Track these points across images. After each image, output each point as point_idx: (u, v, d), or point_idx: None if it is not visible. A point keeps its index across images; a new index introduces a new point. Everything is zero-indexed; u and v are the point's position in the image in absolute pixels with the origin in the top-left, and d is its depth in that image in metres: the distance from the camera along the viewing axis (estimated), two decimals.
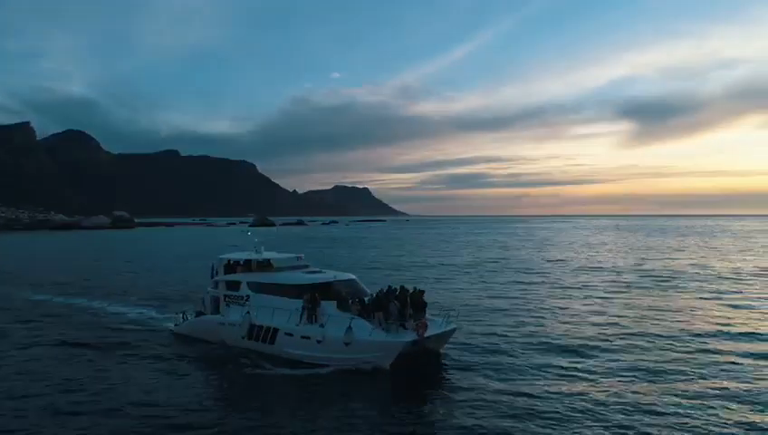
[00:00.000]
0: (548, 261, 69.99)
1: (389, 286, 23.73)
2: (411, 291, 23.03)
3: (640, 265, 63.75)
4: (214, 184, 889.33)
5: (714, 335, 26.51)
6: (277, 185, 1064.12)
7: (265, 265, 27.25)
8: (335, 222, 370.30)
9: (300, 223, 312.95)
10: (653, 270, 57.40)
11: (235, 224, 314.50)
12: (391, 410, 17.32)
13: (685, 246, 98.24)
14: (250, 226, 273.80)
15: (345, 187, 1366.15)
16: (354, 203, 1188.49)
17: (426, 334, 21.11)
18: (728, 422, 15.76)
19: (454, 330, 22.80)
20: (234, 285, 26.49)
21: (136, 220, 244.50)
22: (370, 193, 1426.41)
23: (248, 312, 24.64)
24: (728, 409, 16.77)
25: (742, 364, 21.58)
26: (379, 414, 16.92)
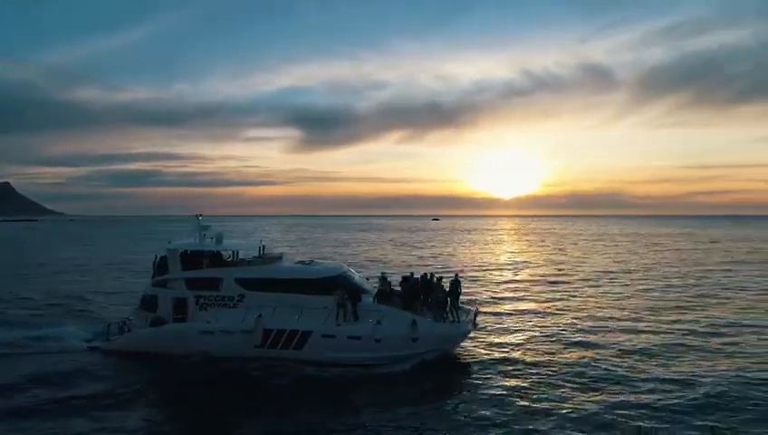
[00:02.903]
0: None
1: (412, 274, 23.24)
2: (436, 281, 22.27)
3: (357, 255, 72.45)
4: None
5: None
6: None
7: (257, 258, 23.66)
8: None
9: None
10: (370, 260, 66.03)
11: None
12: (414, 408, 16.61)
13: (367, 239, 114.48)
14: None
15: None
16: None
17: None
18: None
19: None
20: (208, 284, 22.00)
21: None
22: (13, 189, 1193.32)
23: (260, 315, 20.62)
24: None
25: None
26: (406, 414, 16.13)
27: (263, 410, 16.87)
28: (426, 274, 23.08)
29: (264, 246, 25.49)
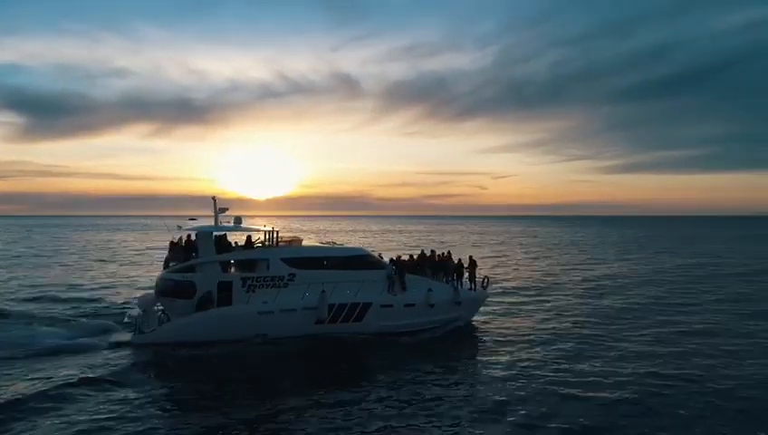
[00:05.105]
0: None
1: (423, 251, 25.79)
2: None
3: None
4: None
5: None
6: None
7: (292, 240, 24.26)
8: None
9: None
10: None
11: None
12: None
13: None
14: None
15: None
16: None
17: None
18: None
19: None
20: (254, 265, 21.73)
21: None
22: None
23: (323, 291, 21.28)
24: None
25: None
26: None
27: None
28: (432, 251, 25.98)
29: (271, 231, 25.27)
